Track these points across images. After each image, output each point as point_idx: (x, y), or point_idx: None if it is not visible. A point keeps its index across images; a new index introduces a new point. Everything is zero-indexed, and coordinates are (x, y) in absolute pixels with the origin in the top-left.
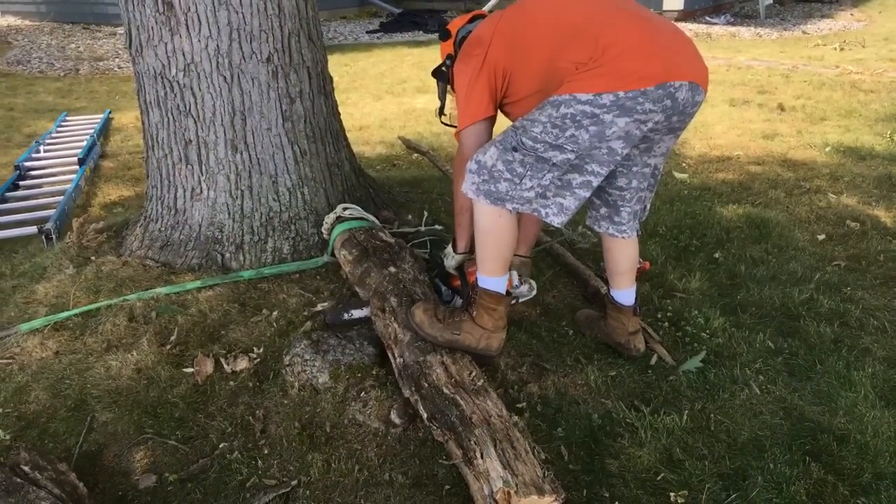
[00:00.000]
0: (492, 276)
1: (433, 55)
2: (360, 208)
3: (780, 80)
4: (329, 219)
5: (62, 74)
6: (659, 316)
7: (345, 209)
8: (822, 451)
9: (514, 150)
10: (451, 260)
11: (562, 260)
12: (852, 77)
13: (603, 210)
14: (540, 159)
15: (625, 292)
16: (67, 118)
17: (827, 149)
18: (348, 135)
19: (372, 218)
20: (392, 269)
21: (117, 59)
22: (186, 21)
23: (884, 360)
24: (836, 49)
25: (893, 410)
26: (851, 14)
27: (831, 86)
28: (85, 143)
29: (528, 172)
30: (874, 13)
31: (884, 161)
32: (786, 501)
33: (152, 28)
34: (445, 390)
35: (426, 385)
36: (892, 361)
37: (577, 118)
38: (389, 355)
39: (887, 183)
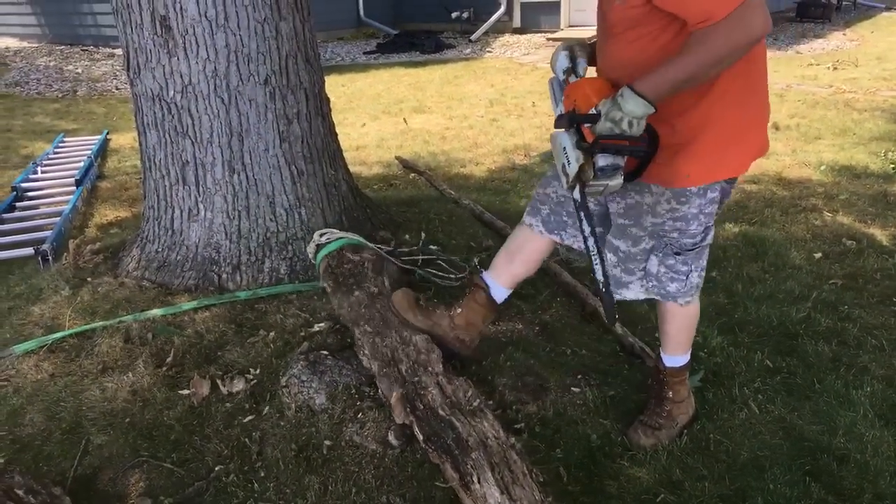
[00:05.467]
0: (680, 355)
1: (429, 75)
2: (335, 229)
3: (774, 99)
4: (310, 250)
5: (60, 96)
6: (657, 335)
7: (321, 234)
8: (822, 472)
9: (677, 254)
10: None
11: (558, 279)
12: (846, 96)
13: None
14: (701, 249)
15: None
16: (65, 139)
17: (822, 167)
18: (345, 155)
19: (350, 235)
20: (357, 294)
21: (115, 81)
22: (184, 43)
23: (882, 379)
24: (829, 68)
25: (893, 429)
26: (844, 34)
27: (825, 105)
28: (82, 164)
29: (692, 265)
30: (866, 33)
31: (878, 179)
32: None
33: (150, 50)
34: (441, 412)
35: (421, 406)
36: (891, 380)
37: (716, 198)
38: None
39: (882, 201)
